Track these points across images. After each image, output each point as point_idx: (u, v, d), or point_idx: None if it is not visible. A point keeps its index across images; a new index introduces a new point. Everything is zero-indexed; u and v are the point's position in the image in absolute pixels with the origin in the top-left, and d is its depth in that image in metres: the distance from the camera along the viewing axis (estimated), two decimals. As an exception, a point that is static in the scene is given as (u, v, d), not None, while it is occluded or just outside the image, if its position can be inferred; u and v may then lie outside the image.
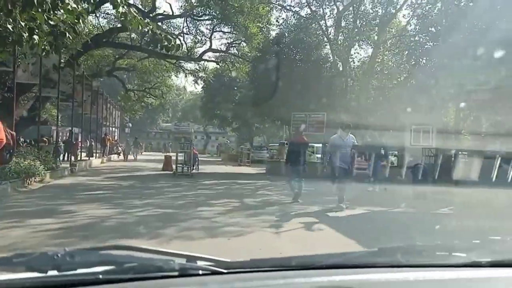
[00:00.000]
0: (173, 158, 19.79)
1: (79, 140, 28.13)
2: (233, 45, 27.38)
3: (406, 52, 23.31)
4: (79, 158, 25.36)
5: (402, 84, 24.37)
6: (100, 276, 1.06)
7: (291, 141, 13.21)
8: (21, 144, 20.12)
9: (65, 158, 24.90)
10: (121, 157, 36.07)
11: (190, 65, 32.62)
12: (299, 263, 1.33)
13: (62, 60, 23.81)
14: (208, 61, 28.83)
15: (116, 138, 44.20)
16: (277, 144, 29.14)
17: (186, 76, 32.61)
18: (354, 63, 27.24)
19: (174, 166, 19.23)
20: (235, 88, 39.05)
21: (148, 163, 28.46)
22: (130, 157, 32.90)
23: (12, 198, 10.08)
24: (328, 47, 25.89)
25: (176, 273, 1.14)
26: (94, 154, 29.01)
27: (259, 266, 1.29)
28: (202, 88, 39.95)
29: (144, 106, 34.12)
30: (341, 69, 25.67)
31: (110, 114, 37.46)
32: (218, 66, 36.22)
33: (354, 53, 27.14)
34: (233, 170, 24.80)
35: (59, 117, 25.69)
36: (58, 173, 16.42)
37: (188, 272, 1.16)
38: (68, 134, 29.90)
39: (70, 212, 8.13)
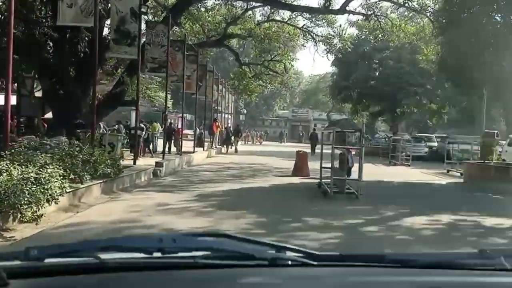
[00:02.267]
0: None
1: (180, 127, 21.16)
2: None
3: None
4: (181, 151, 18.66)
5: None
6: (198, 261, 1.09)
7: None
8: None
9: (166, 151, 18.48)
10: (232, 148, 28.86)
11: (321, 30, 23.71)
12: (392, 260, 1.21)
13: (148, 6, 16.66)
14: (354, 13, 19.41)
15: (229, 126, 37.46)
16: (474, 136, 18.66)
17: (316, 44, 23.74)
18: None
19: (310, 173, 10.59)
20: (376, 62, 29.03)
21: (264, 158, 20.36)
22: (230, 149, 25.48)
23: None
24: None
25: (266, 262, 1.11)
26: (204, 145, 21.96)
27: (350, 260, 1.22)
28: (333, 62, 30.73)
29: (262, 85, 26.23)
30: None
31: (222, 97, 30.27)
32: (355, 34, 26.73)
33: None
34: (401, 175, 15.20)
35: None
36: (116, 184, 8.88)
37: (278, 263, 1.13)
38: (168, 120, 23.19)
39: None
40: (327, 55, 25.02)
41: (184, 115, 45.91)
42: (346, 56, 28.51)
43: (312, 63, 74.22)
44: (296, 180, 12.32)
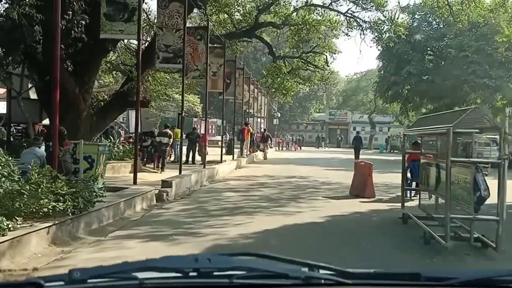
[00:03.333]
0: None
1: (203, 133, 17.79)
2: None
3: None
4: (205, 161, 15.32)
5: None
6: (234, 280, 1.09)
7: None
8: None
9: (190, 161, 16.38)
10: (267, 156, 25.22)
11: (369, 15, 19.76)
12: (428, 278, 1.18)
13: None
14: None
15: (263, 130, 33.85)
16: None
17: (363, 32, 19.71)
18: None
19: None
20: (430, 53, 24.62)
21: (303, 168, 16.53)
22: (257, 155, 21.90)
23: None
24: None
25: (300, 282, 1.12)
26: (234, 153, 18.47)
27: (385, 278, 1.21)
28: (380, 56, 26.51)
29: (300, 82, 22.38)
30: None
31: (254, 99, 26.70)
32: (406, 21, 22.41)
33: None
34: None
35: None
36: (84, 223, 5.36)
37: (312, 282, 1.13)
38: (195, 127, 19.89)
39: None
40: (376, 45, 20.94)
41: (214, 119, 42.75)
42: (396, 47, 24.26)
43: (358, 55, 67.19)
44: (360, 205, 8.42)
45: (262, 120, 34.82)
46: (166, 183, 8.79)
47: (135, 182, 8.84)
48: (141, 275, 1.08)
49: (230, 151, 19.51)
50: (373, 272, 1.20)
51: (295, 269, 1.14)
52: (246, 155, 19.91)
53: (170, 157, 18.75)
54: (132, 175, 9.37)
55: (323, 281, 1.12)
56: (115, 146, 13.54)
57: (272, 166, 18.20)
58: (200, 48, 14.39)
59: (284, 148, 37.10)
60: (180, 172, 11.19)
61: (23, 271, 3.94)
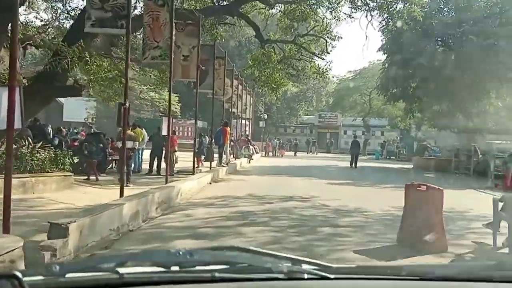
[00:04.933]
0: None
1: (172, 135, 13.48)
2: None
3: None
4: (175, 169, 11.21)
5: None
6: (216, 274, 1.07)
7: None
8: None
9: (154, 170, 13.32)
10: (252, 163, 21.17)
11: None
12: (410, 272, 1.18)
13: None
14: None
15: (247, 133, 29.52)
16: None
17: (370, 13, 15.64)
18: None
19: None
20: (445, 42, 20.84)
21: (300, 181, 12.31)
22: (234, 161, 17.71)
23: None
24: None
25: (283, 276, 1.09)
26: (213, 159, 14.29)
27: (367, 273, 1.19)
28: (383, 47, 22.55)
29: (292, 74, 18.15)
30: None
31: (239, 97, 22.42)
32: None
33: None
34: None
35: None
36: None
37: (294, 276, 1.11)
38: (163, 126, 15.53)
39: None
40: (384, 30, 16.93)
41: (193, 121, 38.16)
42: (405, 35, 20.29)
43: (364, 41, 62.06)
44: None
45: (247, 122, 30.50)
46: (57, 230, 4.40)
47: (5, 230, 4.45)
48: (122, 269, 1.04)
49: (209, 157, 15.23)
50: (355, 267, 1.22)
51: (278, 263, 1.11)
52: (226, 164, 15.59)
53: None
54: (57, 194, 5.00)
55: (305, 275, 1.10)
56: (32, 151, 9.07)
57: (259, 179, 13.91)
58: (162, 17, 10.19)
59: (271, 154, 32.83)
60: (121, 193, 6.88)
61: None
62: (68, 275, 1.02)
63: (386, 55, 22.91)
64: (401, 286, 1.13)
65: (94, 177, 10.47)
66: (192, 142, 29.64)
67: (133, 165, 13.76)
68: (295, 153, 34.41)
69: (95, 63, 9.76)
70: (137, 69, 20.56)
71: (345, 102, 41.17)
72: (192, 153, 15.87)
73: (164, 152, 13.97)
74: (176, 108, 37.18)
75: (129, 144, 10.09)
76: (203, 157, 15.90)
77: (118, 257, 1.14)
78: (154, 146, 14.01)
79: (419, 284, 1.13)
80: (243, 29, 41.39)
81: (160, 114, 38.39)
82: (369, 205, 8.41)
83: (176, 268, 1.08)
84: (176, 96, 37.19)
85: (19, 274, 0.94)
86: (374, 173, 19.37)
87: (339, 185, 12.62)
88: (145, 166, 13.74)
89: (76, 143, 13.73)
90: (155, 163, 13.81)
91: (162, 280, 1.05)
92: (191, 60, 12.99)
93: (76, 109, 34.61)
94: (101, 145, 12.56)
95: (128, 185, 10.17)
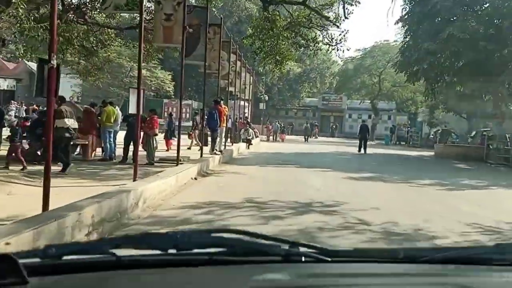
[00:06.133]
0: None
1: (153, 115, 10.50)
2: None
3: None
4: (155, 159, 8.14)
5: None
6: (213, 257, 1.07)
7: None
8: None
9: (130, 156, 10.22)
10: (251, 149, 18.32)
11: None
12: (407, 256, 1.14)
13: None
14: None
15: (246, 116, 26.40)
16: None
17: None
18: None
19: None
20: (483, 8, 17.78)
21: (313, 175, 9.25)
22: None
23: None
24: None
25: (280, 258, 1.07)
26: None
27: (364, 256, 1.18)
28: (403, 18, 19.35)
29: (301, 44, 14.88)
30: None
31: (237, 74, 19.19)
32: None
33: None
34: None
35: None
36: None
37: (291, 258, 1.08)
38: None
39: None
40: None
41: (189, 101, 34.81)
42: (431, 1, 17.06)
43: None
44: None
45: (246, 104, 27.31)
46: None
47: None
48: (118, 251, 1.01)
49: (200, 142, 12.32)
50: (352, 250, 1.20)
51: (275, 246, 1.09)
52: (220, 151, 12.53)
53: (94, 152, 11.38)
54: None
55: (303, 258, 1.08)
56: None
57: (260, 171, 10.91)
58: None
59: (271, 138, 29.76)
60: (45, 204, 3.92)
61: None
62: (65, 258, 1.01)
63: (406, 27, 19.65)
64: (398, 268, 1.10)
65: (22, 167, 7.52)
66: (186, 124, 26.36)
67: (108, 150, 10.91)
68: (306, 139, 30.69)
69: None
70: (118, 39, 17.32)
71: (351, 83, 37.76)
72: (185, 136, 13.20)
73: (142, 136, 11.06)
74: (169, 88, 33.95)
75: (59, 123, 7.09)
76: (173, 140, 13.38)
77: (115, 239, 1.11)
78: (129, 128, 10.99)
79: (417, 267, 1.10)
80: (242, 3, 37.82)
81: (152, 94, 35.20)
82: (431, 221, 5.45)
83: (173, 251, 1.04)
84: (169, 74, 33.97)
85: (15, 257, 0.92)
86: (394, 162, 16.42)
87: (364, 181, 9.64)
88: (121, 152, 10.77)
89: (28, 123, 10.69)
90: (131, 149, 10.83)
91: (159, 262, 1.04)
92: (175, 21, 9.99)
93: (60, 88, 31.50)
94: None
95: (62, 174, 7.32)
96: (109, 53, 18.09)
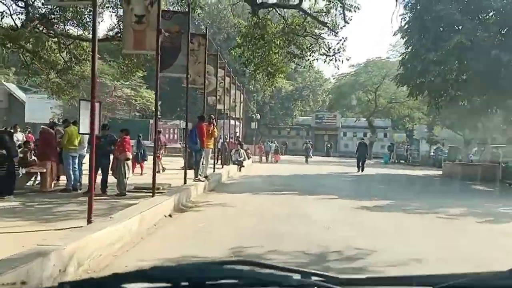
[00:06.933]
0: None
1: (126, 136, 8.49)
2: None
3: None
4: (126, 188, 6.01)
5: None
6: None
7: None
8: None
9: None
10: (243, 171, 16.51)
11: None
12: (421, 283, 1.08)
13: None
14: None
15: (237, 135, 24.61)
16: None
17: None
18: None
19: None
20: (491, 15, 16.47)
21: (320, 209, 7.33)
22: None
23: None
24: None
25: None
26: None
27: (377, 283, 1.15)
28: (402, 28, 17.92)
29: (296, 54, 13.16)
30: None
31: (226, 91, 17.46)
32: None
33: None
34: None
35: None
36: None
37: None
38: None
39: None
40: None
41: (177, 121, 32.90)
42: (437, 8, 15.65)
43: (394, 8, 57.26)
44: None
45: (237, 123, 25.52)
46: None
47: None
48: (129, 286, 1.01)
49: (186, 166, 10.38)
50: (364, 278, 1.18)
51: (287, 276, 1.06)
52: (205, 177, 10.58)
53: (53, 182, 9.45)
54: None
55: (315, 287, 1.06)
56: None
57: (253, 201, 8.99)
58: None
59: (263, 159, 27.85)
60: None
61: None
62: None
63: (406, 37, 18.21)
64: None
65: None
66: (174, 146, 24.07)
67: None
68: (306, 160, 28.48)
69: None
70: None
71: (345, 100, 36.25)
72: (172, 158, 11.27)
73: (112, 161, 9.20)
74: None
75: None
76: (145, 163, 11.76)
77: (126, 273, 1.05)
78: (98, 151, 9.06)
79: None
80: (231, 19, 36.32)
81: (138, 114, 33.27)
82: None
83: (186, 283, 1.03)
84: (155, 94, 31.94)
85: None
86: (404, 184, 14.67)
87: (381, 212, 7.80)
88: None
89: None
90: (99, 178, 8.91)
91: None
92: (148, 23, 8.38)
93: (39, 109, 29.43)
94: (4, 151, 7.81)
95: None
96: (84, 69, 16.24)
